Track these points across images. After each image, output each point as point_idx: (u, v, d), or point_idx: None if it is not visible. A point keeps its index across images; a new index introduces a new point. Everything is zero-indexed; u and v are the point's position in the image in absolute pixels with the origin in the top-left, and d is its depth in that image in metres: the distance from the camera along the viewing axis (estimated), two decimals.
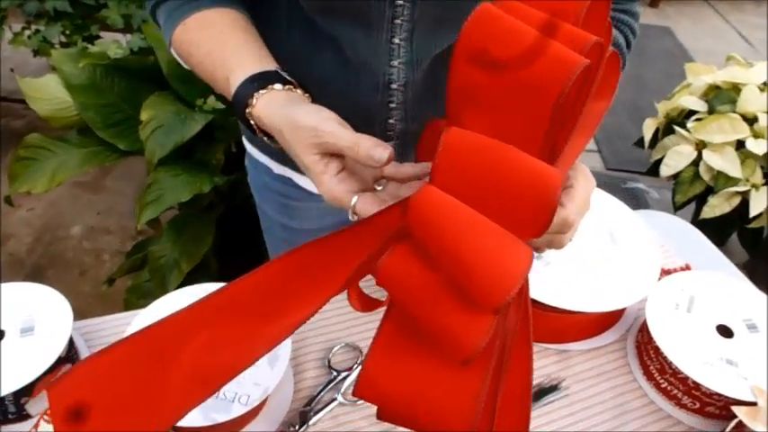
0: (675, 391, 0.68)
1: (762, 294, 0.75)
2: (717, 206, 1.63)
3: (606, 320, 0.75)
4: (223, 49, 0.59)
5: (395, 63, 0.62)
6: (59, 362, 0.61)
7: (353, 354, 0.71)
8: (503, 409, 0.41)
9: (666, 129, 1.79)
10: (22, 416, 0.61)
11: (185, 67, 0.65)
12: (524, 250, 0.37)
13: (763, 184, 1.60)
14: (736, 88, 1.66)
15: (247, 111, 0.54)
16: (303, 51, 0.65)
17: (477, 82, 0.39)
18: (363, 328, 0.73)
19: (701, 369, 0.65)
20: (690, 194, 1.68)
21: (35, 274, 1.90)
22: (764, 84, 1.65)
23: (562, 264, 0.74)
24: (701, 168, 1.65)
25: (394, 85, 0.64)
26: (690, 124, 1.68)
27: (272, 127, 0.53)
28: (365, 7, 0.58)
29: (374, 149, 0.46)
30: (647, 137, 1.86)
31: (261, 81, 0.55)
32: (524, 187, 0.37)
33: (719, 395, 0.64)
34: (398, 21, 0.59)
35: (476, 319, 0.37)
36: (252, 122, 0.55)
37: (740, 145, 1.60)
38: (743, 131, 1.59)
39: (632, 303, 0.71)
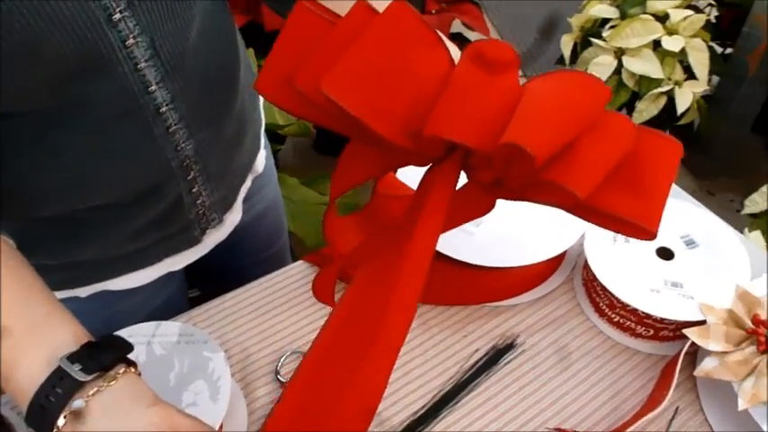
0: (629, 323, 0.67)
1: (697, 207, 0.74)
2: (645, 110, 1.64)
3: (549, 266, 0.73)
4: None
5: (152, 83, 0.54)
6: None
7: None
8: None
9: (584, 42, 1.77)
10: None
11: None
12: None
13: (685, 80, 1.61)
14: None
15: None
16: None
17: None
18: (308, 329, 0.70)
19: (648, 297, 0.64)
20: (618, 104, 1.68)
21: None
22: None
23: (495, 220, 0.71)
24: (624, 76, 1.64)
25: (163, 109, 0.56)
26: (605, 33, 1.66)
27: None
28: (95, 53, 0.49)
29: None
30: (567, 53, 1.84)
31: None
32: None
33: (670, 320, 0.64)
34: (129, 41, 0.50)
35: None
36: None
37: (657, 45, 1.60)
38: (657, 31, 1.58)
39: (570, 245, 0.70)
